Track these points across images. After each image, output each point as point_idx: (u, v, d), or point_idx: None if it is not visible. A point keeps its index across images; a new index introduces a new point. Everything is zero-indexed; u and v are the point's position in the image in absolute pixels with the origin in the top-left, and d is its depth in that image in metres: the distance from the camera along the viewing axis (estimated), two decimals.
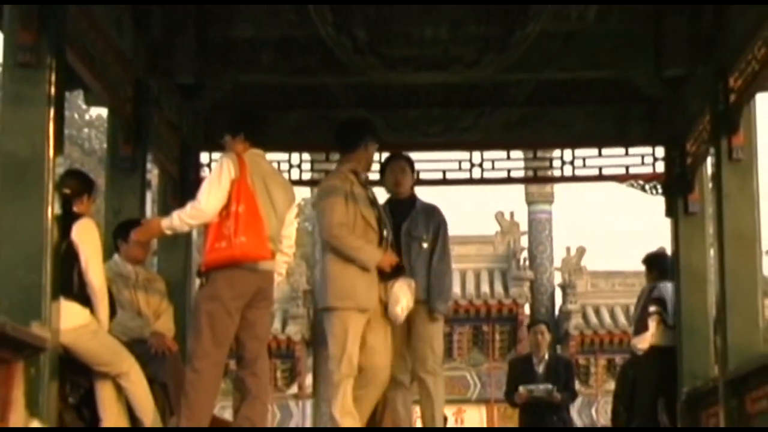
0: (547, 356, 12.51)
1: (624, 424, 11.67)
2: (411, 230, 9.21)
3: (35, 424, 7.43)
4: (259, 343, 8.10)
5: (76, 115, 50.95)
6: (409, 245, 9.14)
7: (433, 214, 9.37)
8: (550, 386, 12.09)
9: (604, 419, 29.80)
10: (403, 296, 8.76)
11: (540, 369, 12.34)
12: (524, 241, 31.91)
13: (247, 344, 8.01)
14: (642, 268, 12.29)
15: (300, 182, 13.10)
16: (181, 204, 9.75)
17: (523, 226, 32.11)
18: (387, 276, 8.77)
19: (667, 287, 11.46)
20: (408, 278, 8.88)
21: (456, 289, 30.01)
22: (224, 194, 7.87)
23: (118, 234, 9.30)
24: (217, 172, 7.98)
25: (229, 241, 7.78)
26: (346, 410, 8.54)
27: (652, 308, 11.28)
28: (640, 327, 11.21)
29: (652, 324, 11.29)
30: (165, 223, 8.18)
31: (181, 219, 8.04)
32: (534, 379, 12.24)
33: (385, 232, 8.83)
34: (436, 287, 9.11)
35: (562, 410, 12.34)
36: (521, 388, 12.20)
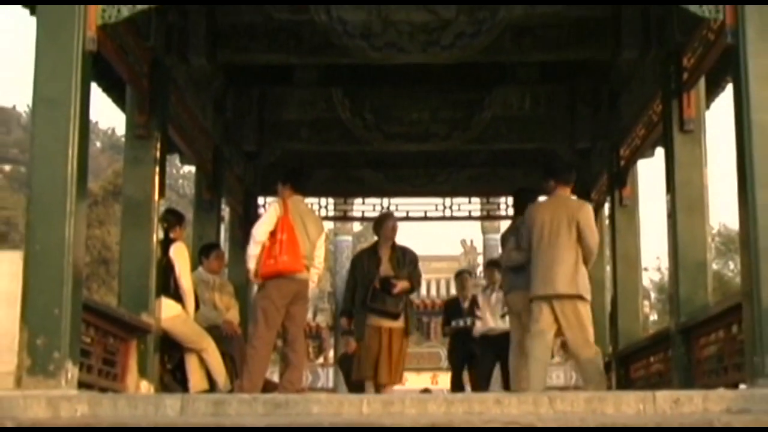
0: (470, 296, 11.89)
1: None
2: None
3: (144, 383, 7.43)
4: (298, 328, 8.04)
5: (174, 170, 50.95)
6: None
7: None
8: (468, 320, 11.41)
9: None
10: None
11: (465, 305, 11.68)
12: (480, 260, 31.75)
13: (290, 329, 7.96)
14: None
15: (327, 218, 13.16)
16: (245, 232, 9.74)
17: (479, 249, 31.96)
18: None
19: None
20: None
21: (433, 292, 29.92)
22: (270, 227, 7.81)
23: (201, 253, 9.28)
24: (267, 212, 8.02)
25: (276, 259, 7.75)
26: None
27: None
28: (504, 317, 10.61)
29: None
30: (250, 259, 7.93)
31: (249, 252, 7.95)
32: (461, 314, 11.47)
33: None
34: None
35: (475, 339, 11.57)
36: (453, 323, 11.59)
